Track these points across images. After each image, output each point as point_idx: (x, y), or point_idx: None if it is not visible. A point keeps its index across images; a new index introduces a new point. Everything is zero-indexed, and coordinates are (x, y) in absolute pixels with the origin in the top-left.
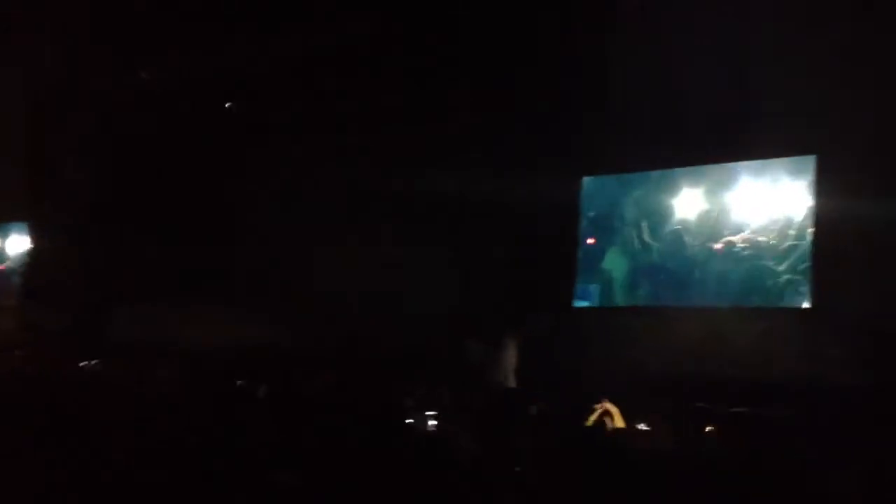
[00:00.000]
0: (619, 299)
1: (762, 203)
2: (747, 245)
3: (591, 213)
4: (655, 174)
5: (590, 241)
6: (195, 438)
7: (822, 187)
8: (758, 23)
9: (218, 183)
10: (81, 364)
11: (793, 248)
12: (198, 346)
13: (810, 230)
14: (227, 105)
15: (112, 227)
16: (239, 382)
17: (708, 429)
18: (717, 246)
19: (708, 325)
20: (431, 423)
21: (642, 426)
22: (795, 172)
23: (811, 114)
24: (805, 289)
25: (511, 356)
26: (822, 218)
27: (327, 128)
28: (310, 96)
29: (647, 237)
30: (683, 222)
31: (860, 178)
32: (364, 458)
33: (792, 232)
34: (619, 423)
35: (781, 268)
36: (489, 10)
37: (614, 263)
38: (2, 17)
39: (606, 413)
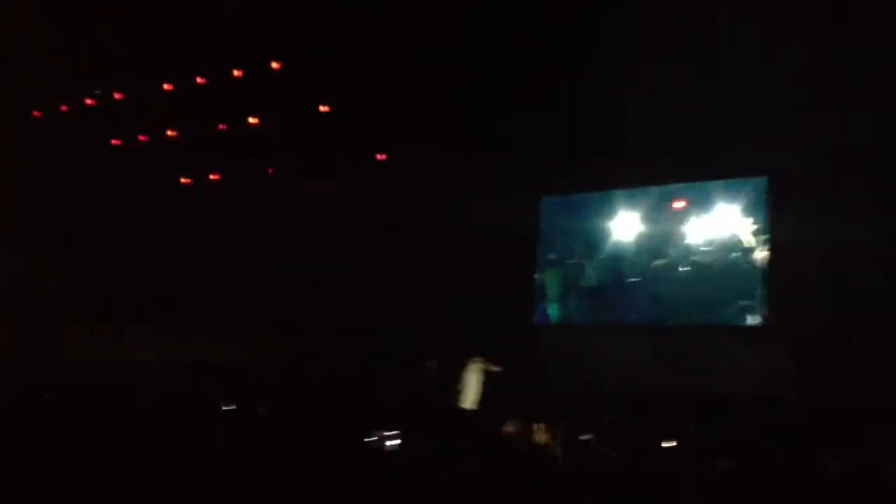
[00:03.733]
0: (554, 318)
1: (699, 226)
2: (686, 266)
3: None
4: (596, 196)
5: None
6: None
7: (776, 208)
8: (709, 45)
9: (195, 209)
10: None
11: (731, 268)
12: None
13: (761, 251)
14: None
15: (81, 247)
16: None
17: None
18: (655, 264)
19: (663, 343)
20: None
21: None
22: (730, 196)
23: (763, 135)
24: (747, 308)
25: (472, 376)
26: (776, 238)
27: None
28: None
29: (583, 258)
30: (621, 244)
31: (812, 199)
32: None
33: (733, 254)
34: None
35: (722, 287)
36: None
37: (551, 283)
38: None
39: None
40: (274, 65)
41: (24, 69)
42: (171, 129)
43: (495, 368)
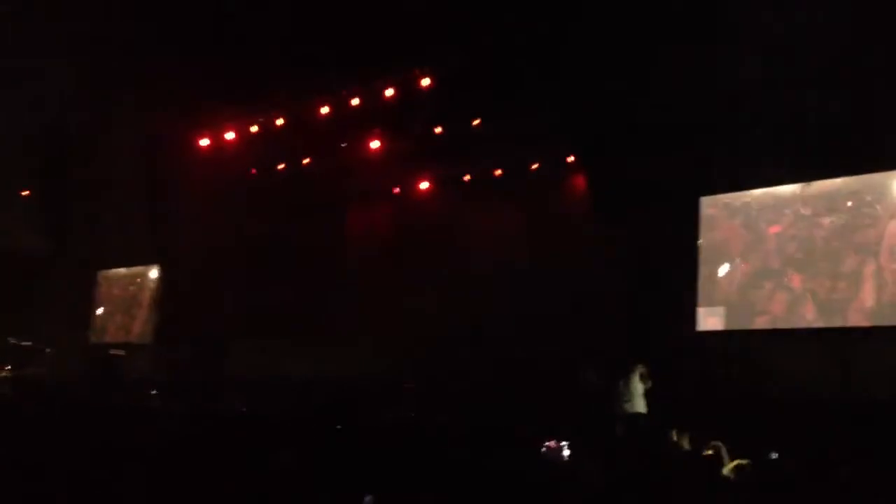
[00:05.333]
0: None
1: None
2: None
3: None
4: (758, 194)
5: None
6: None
7: None
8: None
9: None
10: None
11: None
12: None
13: None
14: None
15: (229, 272)
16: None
17: None
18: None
19: (838, 349)
20: (565, 452)
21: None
22: None
23: None
24: None
25: (635, 383)
26: None
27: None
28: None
29: (748, 260)
30: (789, 244)
31: None
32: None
33: None
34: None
35: None
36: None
37: (714, 287)
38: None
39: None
40: (425, 81)
41: (189, 99)
42: (330, 152)
43: (647, 381)
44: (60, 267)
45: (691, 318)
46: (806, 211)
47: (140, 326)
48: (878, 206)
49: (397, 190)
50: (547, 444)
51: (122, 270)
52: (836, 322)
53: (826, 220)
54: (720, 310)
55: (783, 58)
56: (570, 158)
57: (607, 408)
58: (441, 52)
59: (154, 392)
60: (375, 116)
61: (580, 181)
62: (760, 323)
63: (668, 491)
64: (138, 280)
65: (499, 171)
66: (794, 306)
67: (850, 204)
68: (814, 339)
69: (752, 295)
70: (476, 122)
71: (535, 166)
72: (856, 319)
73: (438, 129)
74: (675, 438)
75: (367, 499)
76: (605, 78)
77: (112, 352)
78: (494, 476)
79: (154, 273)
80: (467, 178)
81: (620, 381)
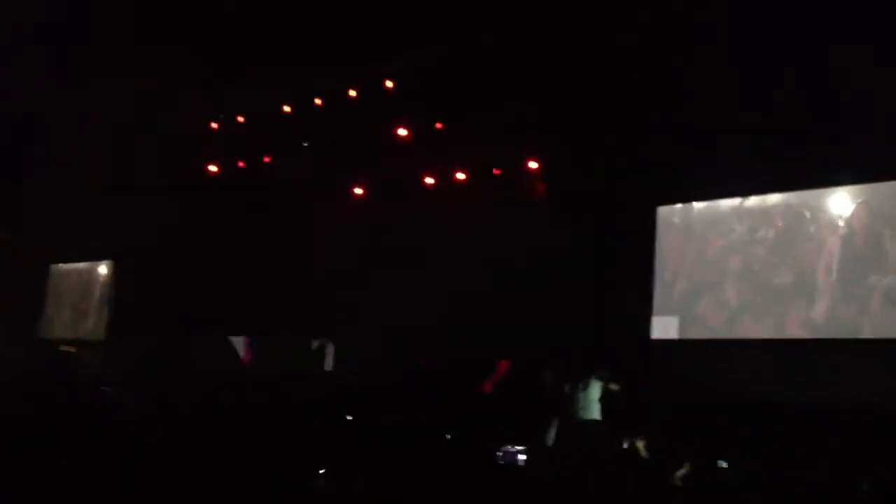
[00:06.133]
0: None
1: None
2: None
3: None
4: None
5: None
6: None
7: None
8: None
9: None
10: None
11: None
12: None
13: None
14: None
15: (188, 265)
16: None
17: None
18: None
19: (786, 357)
20: (521, 456)
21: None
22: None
23: None
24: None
25: (593, 389)
26: None
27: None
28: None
29: (704, 270)
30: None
31: None
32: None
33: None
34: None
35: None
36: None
37: (668, 296)
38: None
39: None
40: (388, 83)
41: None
42: (292, 150)
43: (613, 385)
44: (12, 260)
45: (646, 326)
46: (744, 226)
47: (93, 322)
48: (816, 222)
49: (360, 190)
50: (503, 448)
51: (76, 265)
52: (782, 334)
53: (762, 234)
54: (673, 319)
55: (745, 70)
56: (532, 165)
57: (564, 414)
58: (405, 54)
59: (105, 388)
60: (340, 115)
61: (540, 188)
62: (708, 333)
63: (617, 496)
64: (91, 275)
65: (461, 175)
66: (737, 318)
67: (787, 220)
68: (762, 349)
69: (699, 306)
70: (438, 125)
71: (496, 171)
72: (800, 331)
73: (401, 131)
74: (628, 445)
75: (321, 473)
76: (568, 85)
77: (63, 348)
78: (451, 478)
79: (105, 269)
80: (429, 180)
81: (578, 388)
